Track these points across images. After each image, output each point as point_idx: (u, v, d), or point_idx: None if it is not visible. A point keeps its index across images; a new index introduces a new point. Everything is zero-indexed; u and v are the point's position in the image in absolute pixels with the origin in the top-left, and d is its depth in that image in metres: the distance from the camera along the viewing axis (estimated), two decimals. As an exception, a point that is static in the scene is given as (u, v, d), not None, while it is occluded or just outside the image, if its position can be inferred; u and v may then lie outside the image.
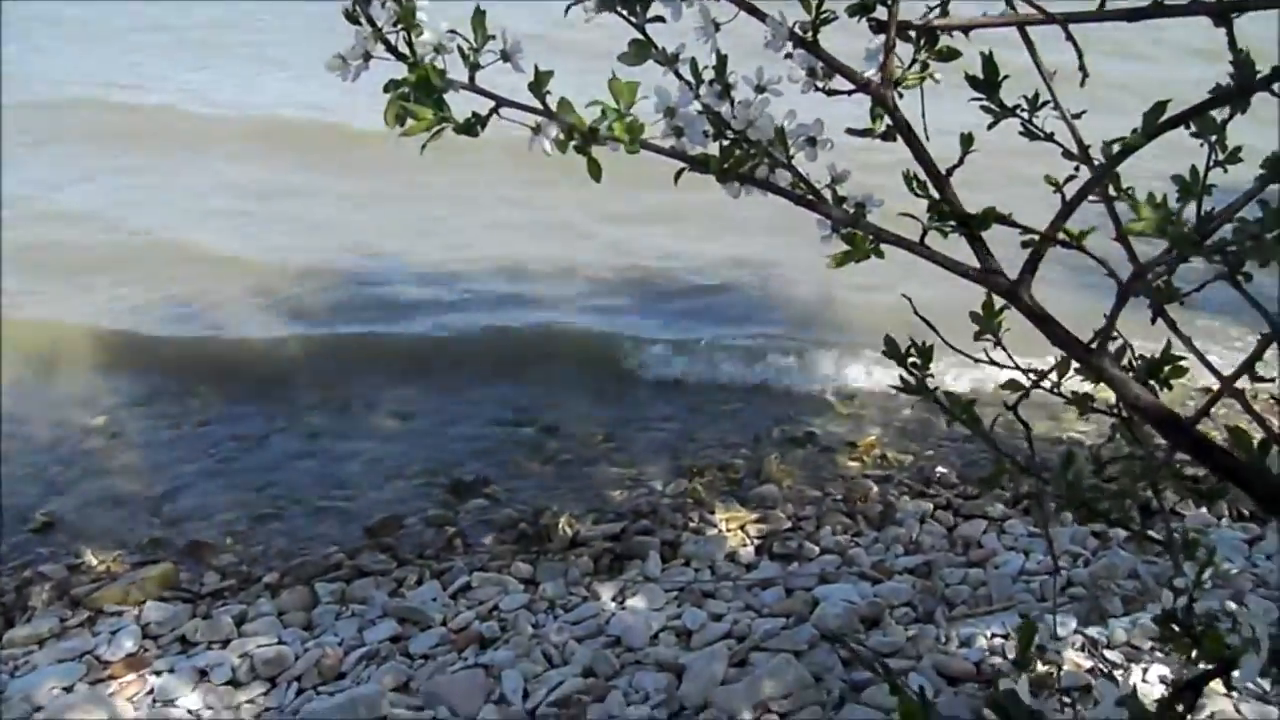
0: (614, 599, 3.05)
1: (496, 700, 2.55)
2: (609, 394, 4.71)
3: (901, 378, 1.17)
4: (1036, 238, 0.94)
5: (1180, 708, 0.99)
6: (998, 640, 2.69)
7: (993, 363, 1.27)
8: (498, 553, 3.42)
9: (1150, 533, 1.34)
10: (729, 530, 3.47)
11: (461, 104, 0.93)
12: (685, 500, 3.73)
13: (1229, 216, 1.04)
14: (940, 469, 3.96)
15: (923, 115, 1.05)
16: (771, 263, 5.86)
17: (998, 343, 1.16)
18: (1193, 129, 1.10)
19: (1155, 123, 0.87)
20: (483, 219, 6.52)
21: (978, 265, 0.91)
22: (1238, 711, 2.36)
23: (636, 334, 5.16)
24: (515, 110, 0.84)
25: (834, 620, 2.76)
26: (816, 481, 3.89)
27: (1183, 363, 1.10)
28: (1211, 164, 1.13)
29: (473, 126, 0.86)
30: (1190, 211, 1.06)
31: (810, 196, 0.87)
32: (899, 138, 0.89)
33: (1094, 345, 0.95)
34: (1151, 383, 1.10)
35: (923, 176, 0.91)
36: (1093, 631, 2.70)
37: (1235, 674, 0.93)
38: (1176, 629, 1.08)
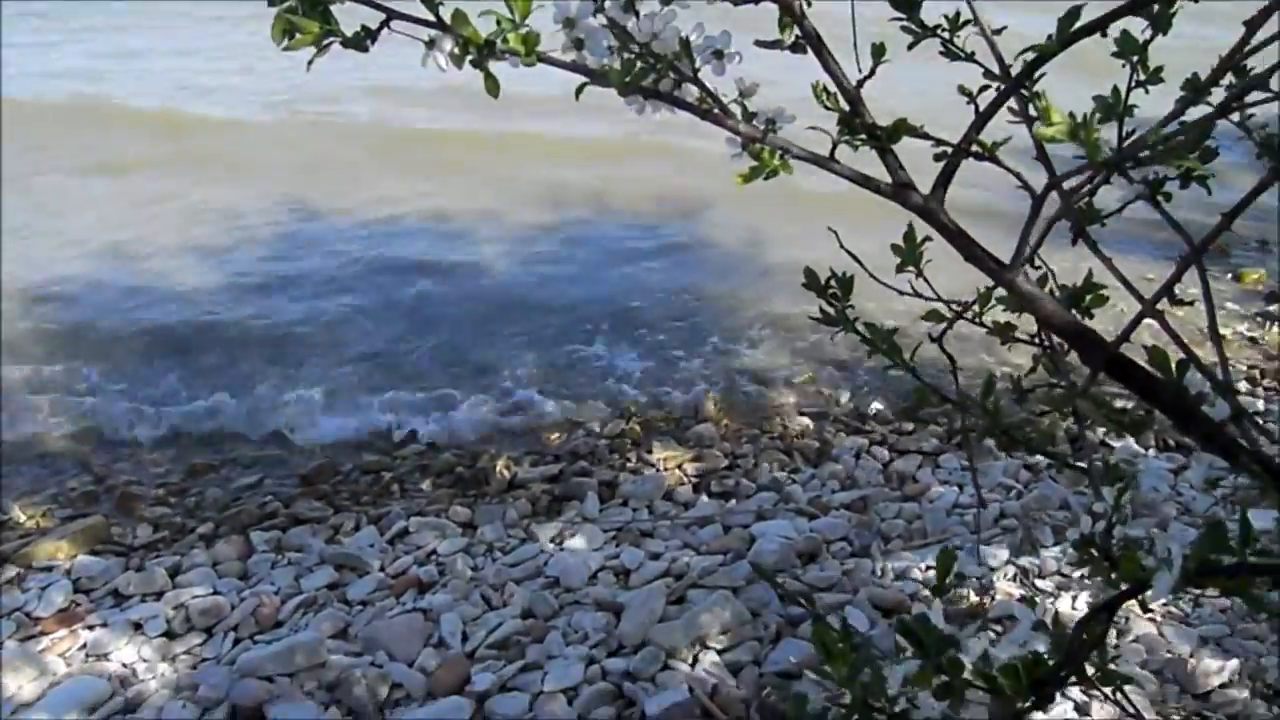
0: (552, 540, 3.04)
1: (435, 644, 2.55)
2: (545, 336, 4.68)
3: (821, 309, 1.15)
4: (950, 150, 0.92)
5: (1098, 629, 0.99)
6: (931, 573, 2.72)
7: (916, 294, 1.25)
8: (435, 497, 3.40)
9: (1074, 462, 1.35)
10: (667, 469, 3.48)
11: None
12: (623, 440, 3.72)
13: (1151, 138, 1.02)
14: (876, 405, 3.99)
15: (854, 37, 1.02)
16: (707, 205, 5.86)
17: (919, 274, 1.14)
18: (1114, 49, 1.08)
19: (1069, 30, 0.85)
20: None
21: (890, 181, 0.89)
22: (1161, 635, 2.42)
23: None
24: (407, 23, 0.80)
25: (771, 556, 2.78)
26: (753, 420, 3.90)
27: (1104, 291, 1.10)
28: (1133, 84, 1.12)
29: (362, 40, 0.81)
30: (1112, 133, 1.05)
31: (717, 111, 0.84)
32: (808, 50, 0.86)
33: (1010, 262, 0.94)
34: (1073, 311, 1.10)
35: (833, 89, 0.88)
36: (1024, 561, 2.75)
37: (1148, 594, 0.93)
38: (1095, 553, 1.08)
